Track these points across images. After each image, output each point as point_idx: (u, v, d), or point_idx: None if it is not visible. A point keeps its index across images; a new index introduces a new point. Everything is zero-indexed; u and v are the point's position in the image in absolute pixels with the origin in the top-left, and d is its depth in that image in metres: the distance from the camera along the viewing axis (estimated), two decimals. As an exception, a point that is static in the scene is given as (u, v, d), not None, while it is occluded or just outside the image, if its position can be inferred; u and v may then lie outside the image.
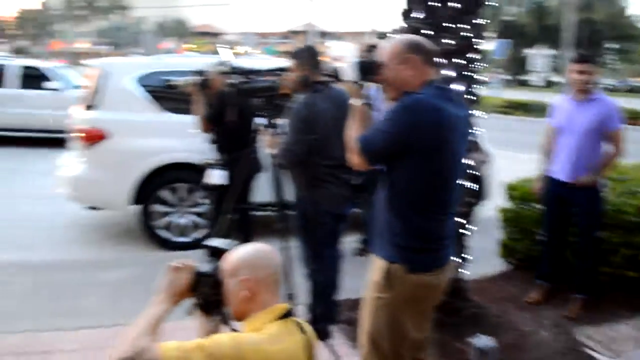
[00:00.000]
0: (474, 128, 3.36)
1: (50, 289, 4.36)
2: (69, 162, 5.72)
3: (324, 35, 57.99)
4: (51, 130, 11.20)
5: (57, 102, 11.16)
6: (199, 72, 4.34)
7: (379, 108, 2.22)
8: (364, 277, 2.34)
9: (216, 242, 1.86)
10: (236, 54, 6.07)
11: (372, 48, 4.31)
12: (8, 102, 11.60)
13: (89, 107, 5.47)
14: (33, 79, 11.74)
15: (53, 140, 10.64)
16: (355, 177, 3.22)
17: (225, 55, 4.04)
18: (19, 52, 46.16)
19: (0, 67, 11.80)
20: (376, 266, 2.21)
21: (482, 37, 3.45)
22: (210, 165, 4.32)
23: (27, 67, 12.00)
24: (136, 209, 5.48)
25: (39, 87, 11.58)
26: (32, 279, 4.55)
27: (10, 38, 60.15)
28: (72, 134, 5.64)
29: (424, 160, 2.03)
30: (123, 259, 5.16)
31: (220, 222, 3.95)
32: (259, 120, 3.42)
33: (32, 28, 53.89)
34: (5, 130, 11.83)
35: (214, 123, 4.35)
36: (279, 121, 3.38)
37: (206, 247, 1.85)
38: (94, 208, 5.82)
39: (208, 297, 1.73)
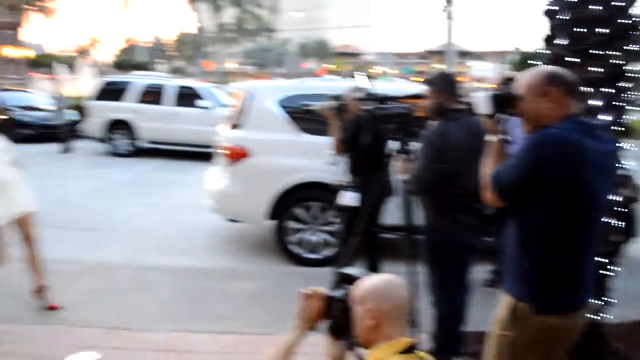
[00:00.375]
0: (623, 162, 3.15)
1: (190, 294, 4.76)
2: (214, 177, 6.19)
3: (464, 54, 56.80)
4: (200, 145, 12.21)
5: (207, 119, 12.16)
6: (336, 97, 4.52)
7: (517, 142, 2.18)
8: (492, 309, 2.29)
9: (349, 269, 1.91)
10: (373, 75, 6.22)
11: (508, 80, 4.20)
12: (165, 118, 12.86)
13: (234, 126, 5.90)
14: (187, 97, 12.93)
15: (201, 155, 11.62)
16: (488, 207, 3.16)
17: (362, 82, 4.17)
18: (175, 72, 50.68)
19: (161, 86, 13.15)
20: (503, 302, 2.16)
21: (634, 64, 3.25)
22: (343, 187, 4.44)
23: (182, 87, 13.25)
24: (271, 224, 5.79)
25: (192, 105, 12.69)
26: (175, 283, 4.99)
27: (169, 59, 66.28)
28: (218, 150, 6.10)
29: (558, 197, 1.96)
30: (256, 270, 5.48)
31: (350, 242, 4.06)
32: (393, 145, 3.49)
33: (188, 50, 58.87)
34: (161, 143, 13.13)
35: (348, 146, 4.49)
36: (412, 147, 3.42)
37: (339, 273, 1.91)
38: (233, 220, 6.23)
39: (338, 321, 1.79)
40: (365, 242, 4.34)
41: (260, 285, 4.98)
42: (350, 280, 1.82)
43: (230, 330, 4.00)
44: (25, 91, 18.61)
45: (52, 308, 4.31)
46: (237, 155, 5.67)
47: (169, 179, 10.46)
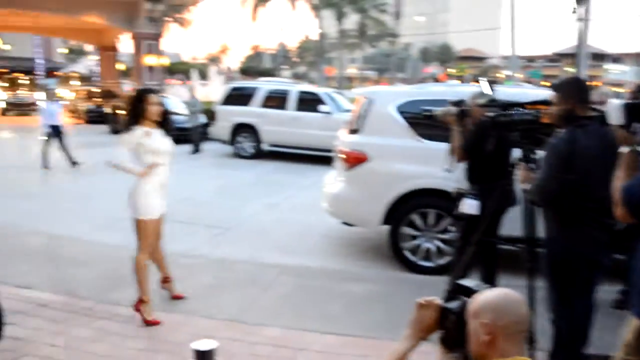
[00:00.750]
0: None
1: (303, 292, 4.90)
2: (332, 180, 6.32)
3: (599, 57, 52.94)
4: (320, 149, 12.50)
5: (328, 124, 12.42)
6: (458, 103, 4.43)
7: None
8: (618, 332, 2.15)
9: (466, 280, 1.87)
10: (498, 80, 6.01)
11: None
12: (287, 122, 13.30)
13: (353, 131, 5.98)
14: (309, 102, 13.29)
15: (321, 158, 11.90)
16: (619, 221, 2.95)
17: (485, 88, 4.05)
18: (298, 77, 52.22)
19: (284, 92, 13.63)
20: (631, 325, 2.02)
21: None
22: (463, 195, 4.33)
23: (305, 92, 13.63)
24: (386, 229, 5.79)
25: (314, 110, 13.01)
26: (289, 281, 5.16)
27: (292, 65, 68.48)
28: (337, 155, 6.22)
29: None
30: (367, 273, 5.51)
31: (466, 252, 3.96)
32: (516, 153, 3.37)
33: (310, 56, 60.46)
34: (283, 147, 13.63)
35: (469, 153, 4.38)
36: (537, 155, 3.28)
37: (455, 284, 1.89)
38: (348, 224, 6.31)
39: (451, 333, 1.76)
40: (481, 252, 4.21)
41: (369, 288, 5.00)
42: (466, 292, 1.78)
43: (338, 332, 4.06)
44: (163, 96, 20.17)
45: (176, 297, 4.64)
46: (355, 159, 5.74)
47: (289, 181, 10.81)
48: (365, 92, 6.25)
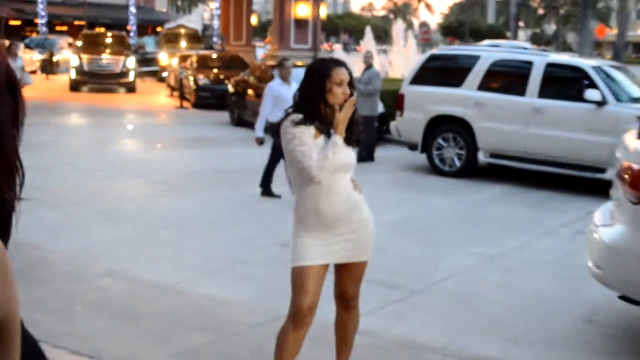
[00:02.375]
0: None
1: None
2: (606, 220, 6.11)
3: None
4: (583, 166, 12.18)
5: (599, 122, 12.16)
6: None
7: None
8: None
9: None
10: None
11: None
12: (526, 117, 13.16)
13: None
14: (565, 84, 13.27)
15: (585, 182, 11.49)
16: None
17: None
18: (542, 42, 51.34)
19: (523, 64, 13.57)
20: None
21: None
22: None
23: (558, 66, 13.50)
24: None
25: (574, 98, 12.66)
26: None
27: (534, 20, 67.60)
28: (617, 176, 5.93)
29: None
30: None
31: None
32: None
33: (566, 5, 59.19)
34: (513, 159, 13.44)
35: None
36: None
37: None
38: (633, 300, 5.95)
39: None
40: None
41: None
42: None
43: None
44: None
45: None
46: None
47: (522, 218, 10.68)
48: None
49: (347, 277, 4.68)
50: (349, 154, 4.43)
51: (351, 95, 4.34)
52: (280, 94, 10.58)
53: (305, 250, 4.37)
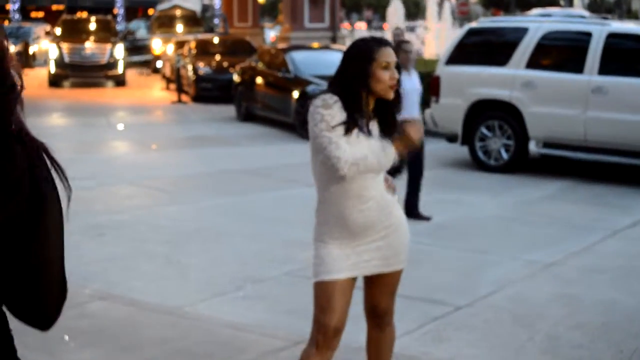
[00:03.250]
0: None
1: None
2: None
3: None
4: None
5: None
6: None
7: None
8: None
9: None
10: None
11: None
12: (586, 99, 13.16)
13: None
14: (633, 58, 13.05)
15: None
16: None
17: None
18: (603, 9, 51.13)
19: (580, 36, 13.61)
20: None
21: None
22: None
23: (623, 36, 13.54)
24: None
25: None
26: None
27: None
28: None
29: None
30: None
31: None
32: None
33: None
34: (571, 149, 13.41)
35: None
36: None
37: None
38: None
39: None
40: None
41: None
42: None
43: None
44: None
45: None
46: None
47: (585, 219, 10.68)
48: None
49: (379, 289, 4.69)
50: (390, 152, 4.35)
51: (398, 81, 4.32)
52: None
53: (330, 262, 4.37)
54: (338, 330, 4.43)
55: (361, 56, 4.29)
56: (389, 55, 4.28)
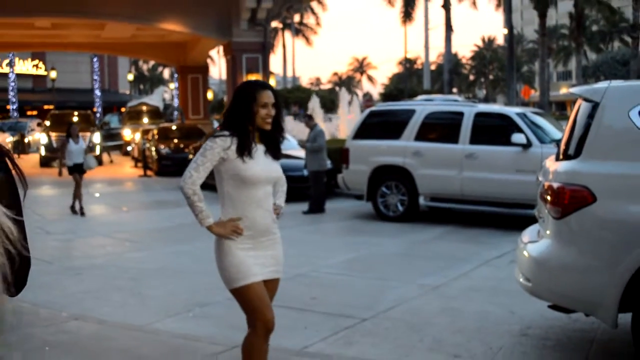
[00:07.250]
0: None
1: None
2: (532, 237, 6.17)
3: None
4: (514, 204, 12.31)
5: (525, 163, 12.28)
6: None
7: None
8: None
9: None
10: None
11: None
12: (460, 163, 13.36)
13: (567, 156, 5.75)
14: (494, 130, 13.44)
15: (516, 220, 11.59)
16: None
17: None
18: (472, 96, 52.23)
19: (455, 115, 13.77)
20: None
21: None
22: None
23: (486, 115, 13.80)
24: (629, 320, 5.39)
25: (502, 142, 12.89)
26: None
27: (466, 85, 68.88)
28: (541, 194, 5.98)
29: None
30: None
31: None
32: None
33: (494, 70, 60.50)
34: (450, 201, 13.62)
35: None
36: None
37: None
38: (562, 309, 5.96)
39: None
40: None
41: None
42: None
43: None
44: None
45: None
46: (573, 201, 5.47)
47: (462, 253, 10.72)
48: (586, 90, 5.98)
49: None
50: (275, 168, 4.43)
51: (277, 116, 4.34)
52: None
53: (247, 269, 4.30)
54: (274, 320, 4.36)
55: (246, 97, 4.29)
56: (267, 97, 4.29)
